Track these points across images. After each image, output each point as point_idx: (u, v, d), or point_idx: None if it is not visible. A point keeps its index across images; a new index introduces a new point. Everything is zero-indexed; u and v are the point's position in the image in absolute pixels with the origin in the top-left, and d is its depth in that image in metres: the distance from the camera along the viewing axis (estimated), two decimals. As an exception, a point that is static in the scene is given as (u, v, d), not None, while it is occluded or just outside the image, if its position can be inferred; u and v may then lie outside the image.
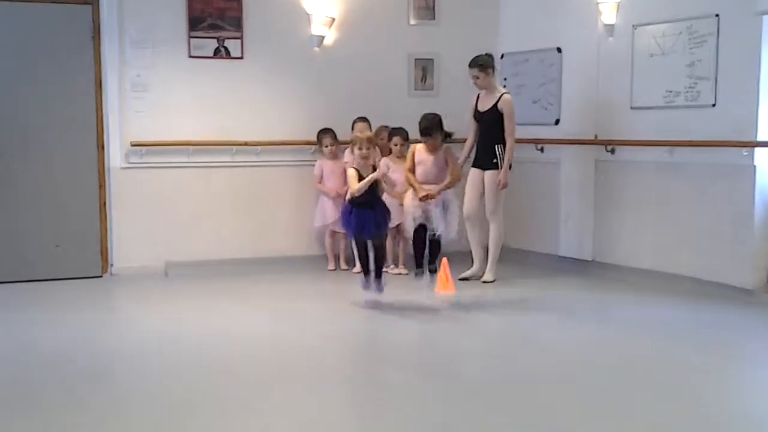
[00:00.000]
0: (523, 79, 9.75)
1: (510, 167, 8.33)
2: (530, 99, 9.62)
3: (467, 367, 5.74)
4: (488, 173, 8.40)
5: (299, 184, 9.34)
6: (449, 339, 6.50)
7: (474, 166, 8.56)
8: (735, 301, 7.49)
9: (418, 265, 7.79)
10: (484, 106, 8.45)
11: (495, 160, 8.35)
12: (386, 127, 9.22)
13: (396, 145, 8.90)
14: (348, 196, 7.46)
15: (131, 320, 7.31)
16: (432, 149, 7.74)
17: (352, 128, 9.05)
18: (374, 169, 7.36)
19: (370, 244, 7.50)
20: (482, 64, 8.34)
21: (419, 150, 7.81)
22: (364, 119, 9.09)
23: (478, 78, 8.36)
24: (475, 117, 8.54)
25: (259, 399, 5.05)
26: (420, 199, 7.58)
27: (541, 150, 9.43)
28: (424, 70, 9.94)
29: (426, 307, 7.40)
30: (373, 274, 7.50)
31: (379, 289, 7.48)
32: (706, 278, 7.87)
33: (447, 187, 7.68)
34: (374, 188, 7.33)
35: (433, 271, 7.83)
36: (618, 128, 8.64)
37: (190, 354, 6.03)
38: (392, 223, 8.86)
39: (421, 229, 7.68)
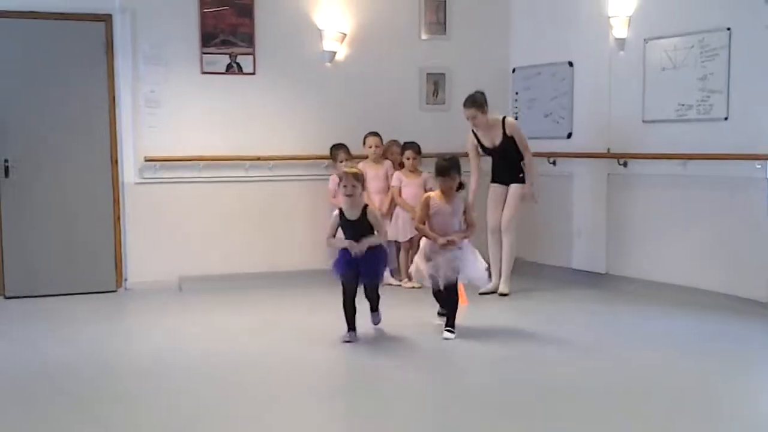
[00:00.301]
0: (534, 93, 9.77)
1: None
2: (542, 113, 9.64)
3: (480, 378, 5.74)
4: (513, 186, 8.47)
5: (312, 198, 9.36)
6: (462, 350, 6.49)
7: (495, 182, 8.61)
8: (749, 314, 7.46)
9: (441, 307, 7.14)
10: (492, 140, 8.46)
11: (521, 175, 8.43)
12: (396, 141, 9.25)
13: (408, 159, 8.95)
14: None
15: (144, 334, 7.33)
16: (447, 195, 6.85)
17: (364, 143, 9.09)
18: (364, 210, 6.62)
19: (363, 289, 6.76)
20: (479, 102, 8.28)
21: (434, 198, 6.90)
22: (375, 134, 9.12)
23: (476, 117, 8.31)
24: (485, 152, 8.57)
25: (271, 413, 5.06)
26: (440, 246, 6.75)
27: (554, 163, 9.43)
28: (436, 84, 9.97)
29: (439, 321, 7.40)
30: (369, 310, 6.94)
31: (376, 321, 7.00)
32: (719, 291, 7.84)
33: (466, 237, 6.91)
34: (365, 226, 6.61)
35: (445, 313, 6.98)
36: (630, 142, 8.64)
37: (203, 368, 6.04)
38: (406, 236, 8.90)
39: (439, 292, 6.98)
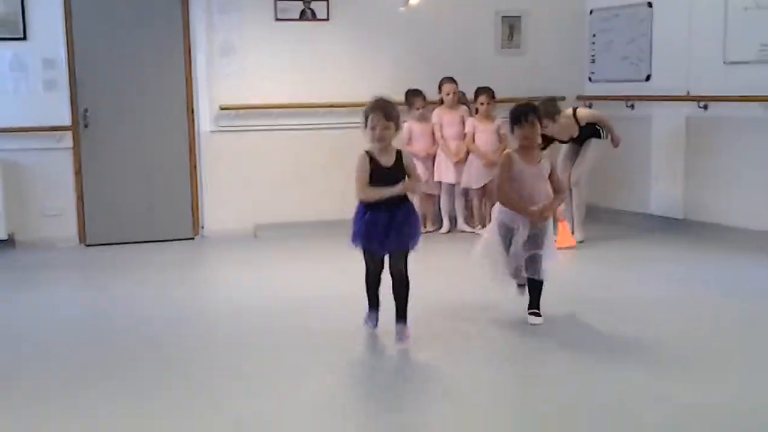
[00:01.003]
0: (612, 35, 9.56)
1: (602, 136, 8.37)
2: (620, 55, 9.44)
3: (562, 329, 5.70)
4: (592, 140, 8.38)
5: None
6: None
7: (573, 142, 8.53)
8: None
9: (520, 287, 5.95)
10: (570, 134, 8.37)
11: (599, 134, 8.35)
12: (450, 79, 9.06)
13: (482, 104, 8.85)
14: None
15: (222, 280, 7.45)
16: (529, 151, 5.62)
17: (439, 88, 9.00)
18: (399, 154, 5.27)
19: (387, 264, 5.39)
20: (547, 114, 7.74)
21: (516, 156, 5.63)
22: (451, 79, 9.03)
23: (547, 127, 7.76)
24: (571, 140, 8.46)
25: (342, 360, 5.11)
26: (533, 217, 5.54)
27: (632, 107, 9.25)
28: (511, 27, 9.80)
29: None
30: (395, 315, 5.36)
31: (402, 338, 5.27)
32: (803, 237, 7.67)
33: (556, 204, 5.79)
34: (400, 174, 5.23)
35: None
36: (711, 84, 8.41)
37: (276, 315, 6.11)
38: (479, 183, 8.83)
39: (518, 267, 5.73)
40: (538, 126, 5.56)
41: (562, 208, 5.84)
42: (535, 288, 5.70)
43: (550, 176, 5.66)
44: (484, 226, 8.87)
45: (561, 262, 5.88)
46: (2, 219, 8.34)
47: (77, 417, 4.33)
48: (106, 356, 5.30)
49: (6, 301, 6.75)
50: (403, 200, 5.25)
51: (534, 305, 5.71)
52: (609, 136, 8.36)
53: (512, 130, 5.63)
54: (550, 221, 5.68)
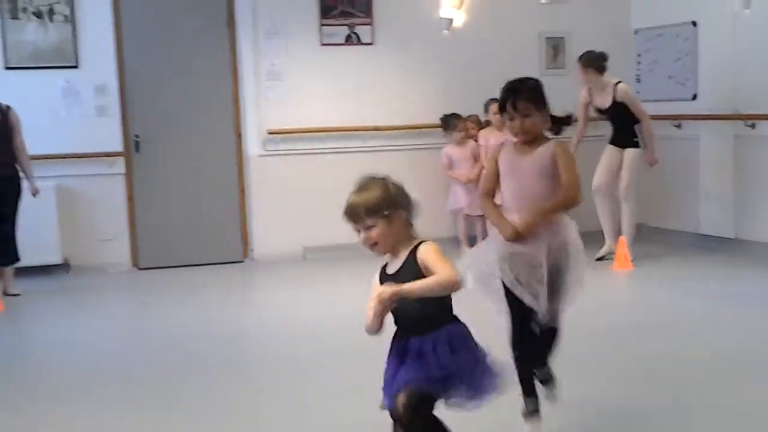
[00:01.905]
0: (657, 54, 9.54)
1: (645, 146, 8.27)
2: (665, 74, 9.41)
3: (602, 344, 5.69)
4: (629, 150, 8.31)
5: (431, 166, 9.37)
6: (594, 322, 6.42)
7: (611, 143, 8.47)
8: None
9: (527, 391, 4.11)
10: (603, 102, 8.34)
11: (636, 139, 8.27)
12: (474, 115, 9.11)
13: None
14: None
15: (271, 303, 7.52)
16: (524, 140, 4.08)
17: (485, 109, 9.02)
18: (414, 251, 3.54)
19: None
20: (593, 61, 8.22)
21: (508, 147, 4.20)
22: (497, 100, 9.03)
23: (588, 75, 8.28)
24: (600, 113, 8.47)
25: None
26: (508, 239, 3.95)
27: (679, 126, 9.21)
28: (556, 48, 9.83)
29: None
30: None
31: None
32: None
33: (553, 212, 3.98)
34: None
35: (548, 381, 4.22)
36: (759, 102, 8.35)
37: (324, 337, 6.15)
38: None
39: (521, 316, 4.06)
40: (530, 108, 4.03)
41: (566, 220, 4.02)
42: (545, 345, 4.14)
43: (559, 171, 3.98)
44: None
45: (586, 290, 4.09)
46: (57, 244, 8.50)
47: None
48: (156, 378, 5.38)
49: (60, 324, 6.88)
50: (429, 325, 3.43)
51: (539, 363, 4.16)
52: (650, 147, 8.29)
53: (499, 113, 4.37)
54: (570, 233, 4.03)
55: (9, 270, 7.78)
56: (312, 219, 9.17)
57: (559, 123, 4.19)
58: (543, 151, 4.02)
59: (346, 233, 9.15)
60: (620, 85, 8.28)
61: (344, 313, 6.80)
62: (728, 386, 4.85)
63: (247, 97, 9.08)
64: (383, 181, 3.62)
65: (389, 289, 3.29)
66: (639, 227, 8.60)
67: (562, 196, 3.96)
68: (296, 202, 9.16)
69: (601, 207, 8.46)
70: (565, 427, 4.23)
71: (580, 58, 8.32)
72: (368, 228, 3.58)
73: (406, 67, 9.42)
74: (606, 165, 8.42)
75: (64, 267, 8.67)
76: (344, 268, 8.55)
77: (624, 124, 8.32)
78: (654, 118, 8.43)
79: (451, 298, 3.40)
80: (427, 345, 3.37)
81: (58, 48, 8.63)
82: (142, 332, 6.58)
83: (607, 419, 4.39)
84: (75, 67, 8.69)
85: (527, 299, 3.94)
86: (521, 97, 4.07)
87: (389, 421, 3.40)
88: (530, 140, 4.06)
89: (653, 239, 9.16)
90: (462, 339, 3.38)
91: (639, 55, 9.71)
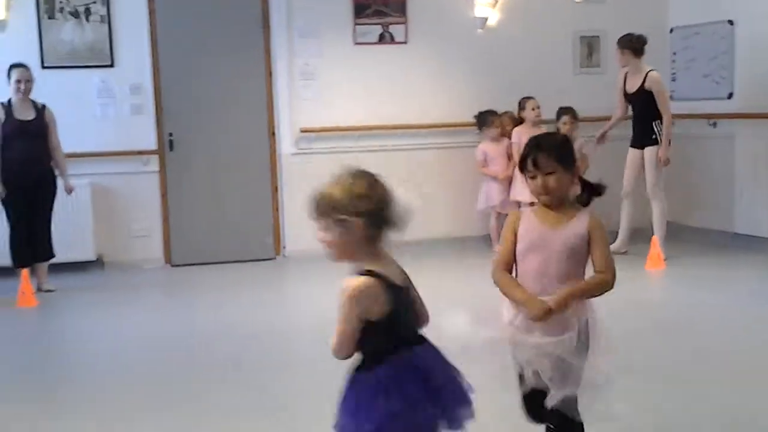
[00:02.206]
0: (693, 53, 9.46)
1: (669, 143, 8.18)
2: (701, 73, 9.34)
3: (633, 344, 5.66)
4: (648, 149, 8.28)
5: (464, 165, 9.35)
6: (626, 324, 6.38)
7: (632, 146, 8.47)
8: None
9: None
10: (632, 86, 8.34)
11: (654, 136, 8.22)
12: (509, 113, 9.08)
13: (565, 124, 8.78)
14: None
15: (303, 300, 7.55)
16: (547, 202, 3.50)
17: (520, 107, 8.99)
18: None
19: None
20: (631, 43, 8.27)
21: (528, 215, 3.56)
22: (533, 99, 9.00)
23: (625, 56, 8.33)
24: (625, 97, 8.44)
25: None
26: (536, 318, 3.37)
27: (714, 125, 9.13)
28: (590, 47, 9.78)
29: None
30: None
31: None
32: None
33: (583, 294, 3.43)
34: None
35: None
36: (795, 101, 8.28)
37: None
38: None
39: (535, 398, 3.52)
40: (558, 169, 3.43)
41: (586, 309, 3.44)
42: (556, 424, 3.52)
43: (592, 251, 3.44)
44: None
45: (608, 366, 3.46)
46: (91, 240, 8.59)
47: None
48: (189, 374, 5.42)
49: (94, 319, 6.95)
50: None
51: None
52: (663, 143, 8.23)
53: (522, 170, 3.60)
54: (593, 312, 3.47)
55: (44, 266, 7.87)
56: (344, 217, 9.17)
57: (590, 191, 3.54)
58: (576, 225, 3.44)
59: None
60: (652, 72, 8.26)
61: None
62: (765, 388, 4.80)
63: (280, 96, 9.11)
64: (356, 181, 3.09)
65: None
66: (673, 226, 8.54)
67: (599, 279, 3.42)
68: (329, 200, 9.16)
69: (625, 209, 8.54)
70: (597, 429, 4.21)
71: (619, 40, 8.32)
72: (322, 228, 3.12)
73: (439, 66, 9.41)
74: (632, 170, 8.45)
75: (98, 263, 8.75)
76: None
77: (644, 116, 8.28)
78: (689, 116, 8.39)
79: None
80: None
81: (93, 47, 8.71)
82: (174, 329, 6.62)
83: (639, 420, 4.36)
84: (110, 66, 8.77)
85: (540, 384, 3.42)
86: (544, 151, 3.45)
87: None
88: (556, 204, 3.48)
89: (687, 238, 9.08)
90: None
91: (674, 54, 9.64)
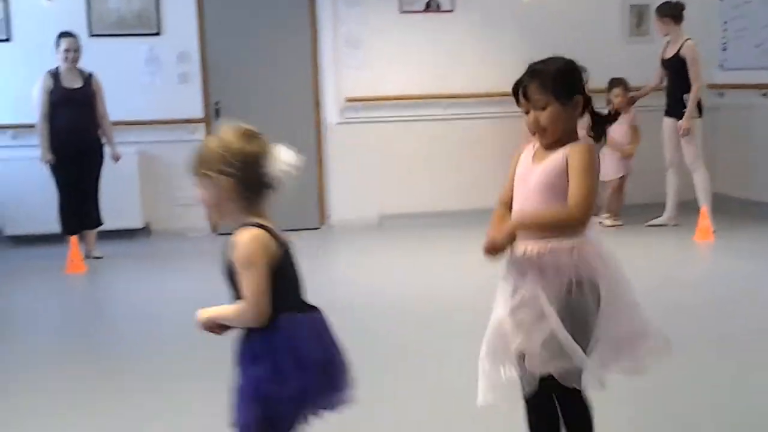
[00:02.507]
0: (744, 22, 9.28)
1: (700, 114, 8.11)
2: (752, 43, 9.16)
3: (682, 319, 5.60)
4: (680, 122, 8.20)
5: (509, 135, 9.28)
6: (682, 298, 6.32)
7: (666, 115, 8.38)
8: None
9: None
10: (669, 53, 8.28)
11: (683, 110, 8.15)
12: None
13: (617, 96, 8.66)
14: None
15: (348, 269, 7.57)
16: (542, 141, 3.07)
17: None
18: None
19: None
20: (667, 9, 8.22)
21: (528, 149, 3.22)
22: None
23: (664, 23, 8.28)
24: (662, 65, 8.37)
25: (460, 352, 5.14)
26: (484, 251, 2.93)
27: (765, 95, 8.97)
28: (640, 15, 9.63)
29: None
30: None
31: None
32: None
33: (542, 224, 2.96)
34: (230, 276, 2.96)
35: None
36: None
37: (398, 304, 6.16)
38: (607, 177, 8.65)
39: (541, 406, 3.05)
40: (553, 102, 3.00)
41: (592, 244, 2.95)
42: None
43: (569, 181, 2.90)
44: (615, 214, 8.68)
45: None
46: (138, 208, 8.68)
47: (208, 398, 4.48)
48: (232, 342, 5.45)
49: (141, 286, 7.03)
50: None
51: None
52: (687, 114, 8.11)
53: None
54: (599, 262, 2.92)
55: (92, 233, 7.96)
56: (388, 186, 9.18)
57: (601, 122, 3.08)
58: (557, 157, 2.93)
59: (422, 201, 9.19)
60: (689, 41, 8.18)
61: (419, 282, 6.83)
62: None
63: (325, 65, 9.10)
64: (229, 136, 2.87)
65: None
66: (722, 197, 8.43)
67: (559, 210, 2.89)
68: (373, 169, 9.18)
69: (670, 180, 8.43)
70: (645, 408, 4.19)
71: (657, 8, 8.24)
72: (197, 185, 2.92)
73: (485, 34, 9.32)
74: (670, 140, 8.34)
75: (145, 231, 8.84)
76: (419, 236, 8.56)
77: (678, 85, 8.17)
78: (740, 87, 8.26)
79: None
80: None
81: (141, 16, 8.75)
82: (220, 295, 6.66)
83: (692, 394, 4.32)
84: (157, 34, 8.81)
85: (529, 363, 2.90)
86: (537, 80, 3.01)
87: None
88: (553, 142, 2.98)
89: (736, 210, 8.96)
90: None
91: (725, 23, 9.46)
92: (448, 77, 9.24)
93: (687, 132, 8.09)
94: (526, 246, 2.92)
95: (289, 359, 2.66)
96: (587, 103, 3.04)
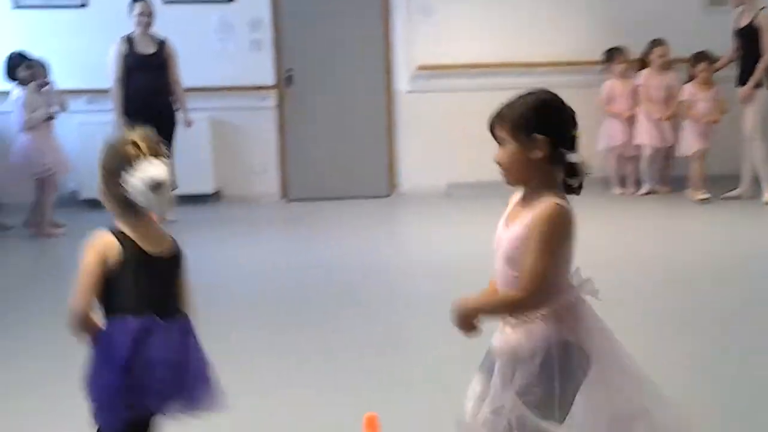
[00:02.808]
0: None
1: (758, 84, 7.96)
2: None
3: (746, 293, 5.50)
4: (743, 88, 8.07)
5: (582, 105, 9.08)
6: (742, 271, 6.20)
7: (737, 85, 8.21)
8: None
9: None
10: (741, 23, 8.12)
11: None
12: (661, 41, 8.77)
13: (702, 71, 8.44)
14: None
15: (416, 237, 7.56)
16: (513, 186, 2.92)
17: (649, 51, 8.73)
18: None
19: None
20: None
21: (511, 202, 2.95)
22: (661, 42, 8.71)
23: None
24: (735, 34, 8.21)
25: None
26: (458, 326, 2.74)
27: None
28: (718, -15, 9.38)
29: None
30: None
31: None
32: None
33: (485, 312, 2.76)
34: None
35: None
36: None
37: (465, 273, 6.12)
38: (689, 151, 8.42)
39: None
40: (510, 140, 2.83)
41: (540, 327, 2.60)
42: None
43: (524, 258, 2.62)
44: (701, 187, 8.46)
45: None
46: (210, 174, 8.77)
47: (279, 364, 4.52)
48: (306, 305, 5.50)
49: (212, 251, 7.09)
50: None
51: None
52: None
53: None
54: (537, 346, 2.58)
55: (166, 197, 8.04)
56: (457, 156, 9.12)
57: (572, 173, 2.71)
58: (523, 220, 2.66)
59: (490, 171, 9.03)
60: (765, 9, 7.98)
61: (484, 251, 6.78)
62: None
63: (397, 33, 9.05)
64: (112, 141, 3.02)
65: None
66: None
67: (508, 296, 2.66)
68: (442, 138, 9.13)
69: (757, 155, 8.16)
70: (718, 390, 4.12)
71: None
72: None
73: (560, 2, 9.17)
74: (741, 109, 8.15)
75: (216, 197, 8.93)
76: (487, 206, 8.47)
77: (748, 56, 8.02)
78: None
79: None
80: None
81: (214, -18, 8.80)
82: (291, 261, 6.70)
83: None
84: (230, 1, 8.84)
85: None
86: (498, 116, 2.82)
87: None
88: (530, 193, 2.76)
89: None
90: None
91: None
92: (521, 45, 9.13)
93: (747, 99, 7.93)
94: (502, 330, 2.69)
95: (100, 355, 2.76)
96: (559, 145, 2.71)
